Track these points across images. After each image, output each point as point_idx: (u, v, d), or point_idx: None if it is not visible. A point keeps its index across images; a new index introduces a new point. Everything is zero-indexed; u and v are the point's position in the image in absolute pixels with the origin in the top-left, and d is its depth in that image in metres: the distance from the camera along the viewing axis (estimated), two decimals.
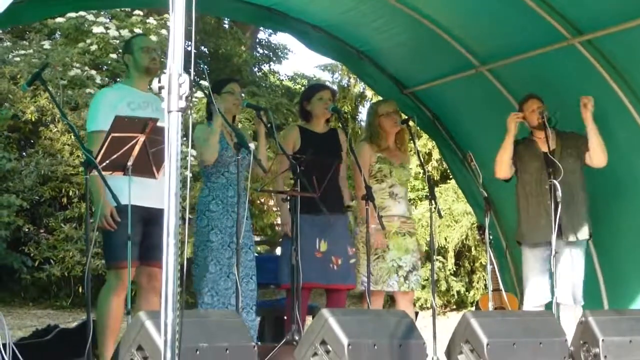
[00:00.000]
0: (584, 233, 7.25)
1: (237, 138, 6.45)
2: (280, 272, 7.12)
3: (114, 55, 15.38)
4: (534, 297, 7.22)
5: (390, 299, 8.41)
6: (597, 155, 7.24)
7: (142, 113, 6.02)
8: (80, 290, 14.04)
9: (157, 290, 6.17)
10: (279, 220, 9.77)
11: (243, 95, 7.40)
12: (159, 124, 5.49)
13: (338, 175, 7.31)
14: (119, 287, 6.09)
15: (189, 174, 3.25)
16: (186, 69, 3.24)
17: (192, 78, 3.27)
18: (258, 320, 6.96)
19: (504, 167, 7.36)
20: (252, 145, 6.43)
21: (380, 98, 9.24)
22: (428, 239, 7.49)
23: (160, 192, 6.11)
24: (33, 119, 14.21)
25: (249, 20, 10.65)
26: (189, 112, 3.32)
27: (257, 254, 7.53)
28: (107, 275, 6.32)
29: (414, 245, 7.47)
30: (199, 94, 12.29)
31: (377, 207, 7.12)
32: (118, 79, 15.16)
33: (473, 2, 7.61)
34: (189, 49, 3.31)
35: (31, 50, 14.72)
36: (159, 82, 3.24)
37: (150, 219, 6.05)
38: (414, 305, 8.58)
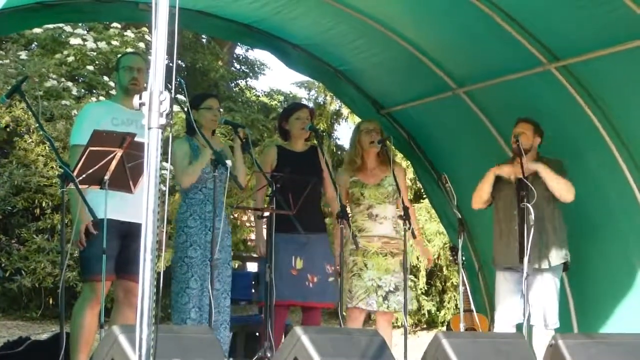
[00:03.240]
0: (553, 260, 7.28)
1: (215, 155, 6.47)
2: (257, 289, 7.14)
3: (90, 67, 15.35)
4: (505, 318, 7.26)
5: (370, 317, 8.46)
6: (560, 194, 7.30)
7: (125, 129, 6.02)
8: (50, 301, 13.98)
9: (133, 305, 6.17)
10: (252, 236, 9.79)
11: (221, 110, 7.39)
12: (136, 139, 5.51)
13: (318, 194, 7.33)
14: (93, 300, 6.09)
15: (166, 188, 3.26)
16: (166, 85, 3.27)
17: (172, 95, 3.30)
18: (230, 336, 6.95)
19: (481, 201, 7.44)
20: (228, 162, 6.44)
21: (357, 117, 9.30)
22: (401, 258, 7.47)
23: (138, 207, 6.13)
24: (8, 129, 14.15)
25: (228, 37, 10.68)
26: (168, 128, 3.34)
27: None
28: (82, 288, 6.33)
29: (396, 265, 7.45)
30: (175, 107, 12.30)
31: (357, 228, 7.16)
32: (95, 91, 15.15)
33: (451, 25, 7.66)
34: (169, 64, 3.33)
35: (7, 61, 14.68)
36: (140, 98, 3.27)
37: (127, 233, 6.07)
38: None
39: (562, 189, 7.26)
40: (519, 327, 7.20)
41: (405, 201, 7.19)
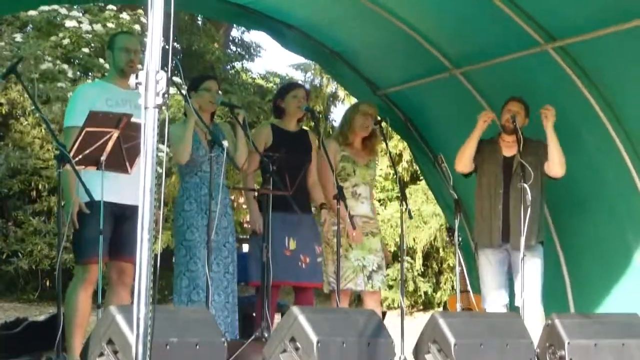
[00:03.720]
0: (537, 239, 7.31)
1: (211, 136, 6.46)
2: (249, 269, 7.14)
3: (86, 50, 15.32)
4: (495, 300, 7.30)
5: (358, 299, 8.47)
6: (554, 167, 7.30)
7: (120, 110, 5.98)
8: (47, 283, 14.01)
9: (128, 285, 6.20)
10: (248, 218, 9.77)
11: (219, 92, 7.38)
12: (133, 119, 5.50)
13: (308, 175, 7.33)
14: (86, 282, 6.08)
15: (163, 170, 3.27)
16: (162, 67, 3.27)
17: (168, 75, 3.30)
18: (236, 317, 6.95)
19: (464, 160, 7.43)
20: (225, 143, 6.43)
21: (353, 98, 9.28)
22: (397, 240, 7.50)
23: (132, 188, 6.08)
24: (3, 112, 14.14)
25: (224, 18, 10.67)
26: (164, 109, 3.34)
27: None
28: (75, 270, 6.29)
29: (377, 245, 7.49)
30: (172, 90, 12.27)
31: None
32: (90, 73, 15.13)
33: (448, 6, 7.64)
34: (165, 46, 3.33)
35: (2, 43, 14.65)
36: (136, 78, 3.26)
37: (120, 214, 6.06)
38: (382, 305, 8.60)
39: (561, 162, 7.26)
40: (513, 307, 7.23)
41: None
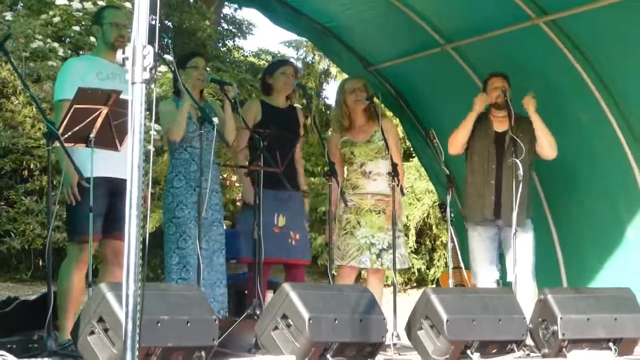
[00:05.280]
0: (528, 214, 7.31)
1: (201, 112, 6.44)
2: (238, 245, 7.12)
3: (77, 28, 15.22)
4: (487, 277, 7.30)
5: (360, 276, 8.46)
6: (545, 150, 7.32)
7: (111, 84, 5.96)
8: (40, 263, 13.96)
9: (122, 266, 6.12)
10: (240, 196, 9.76)
11: (208, 70, 7.34)
12: (122, 96, 5.46)
13: (294, 152, 7.31)
14: (80, 262, 6.03)
15: (151, 148, 3.26)
16: (150, 43, 3.24)
17: (156, 50, 3.27)
18: (224, 294, 6.93)
19: (458, 144, 7.41)
20: (215, 120, 6.40)
21: (345, 75, 9.25)
22: (404, 218, 7.47)
23: (125, 163, 6.06)
24: None
25: None
26: (153, 86, 3.32)
27: None
28: (69, 248, 6.24)
29: (389, 223, 7.36)
30: (163, 68, 12.23)
31: (351, 186, 7.16)
32: (81, 52, 15.04)
33: None
34: (153, 22, 3.30)
35: None
36: (123, 53, 3.24)
37: (115, 191, 5.98)
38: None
39: (551, 145, 7.26)
40: (506, 283, 7.23)
41: (395, 157, 7.14)
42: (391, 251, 7.28)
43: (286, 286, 5.32)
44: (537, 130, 7.22)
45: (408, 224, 16.36)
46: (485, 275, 7.29)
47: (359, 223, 7.30)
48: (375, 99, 7.39)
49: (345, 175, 7.53)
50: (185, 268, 6.72)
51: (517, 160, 6.94)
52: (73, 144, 5.57)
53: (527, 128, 7.25)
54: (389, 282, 13.05)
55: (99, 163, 5.71)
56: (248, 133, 6.87)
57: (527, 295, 6.86)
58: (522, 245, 7.13)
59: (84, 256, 5.98)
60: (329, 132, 7.77)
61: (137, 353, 3.15)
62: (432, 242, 17.15)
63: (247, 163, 7.06)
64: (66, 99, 5.86)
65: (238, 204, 15.33)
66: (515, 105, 7.20)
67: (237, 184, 15.69)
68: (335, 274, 7.23)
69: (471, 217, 7.43)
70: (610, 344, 5.99)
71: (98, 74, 6.19)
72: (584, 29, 7.32)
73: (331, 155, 7.16)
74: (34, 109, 13.85)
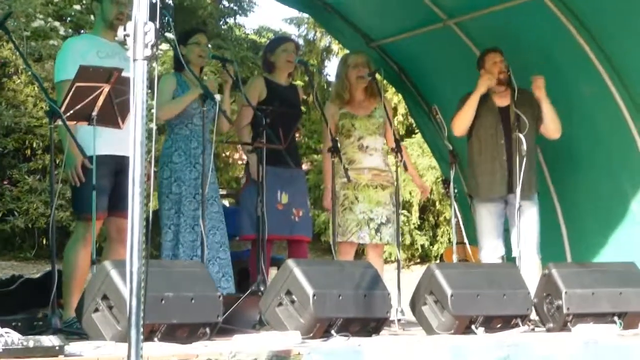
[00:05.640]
0: (535, 189, 7.30)
1: (203, 89, 6.41)
2: (241, 222, 7.12)
3: (77, 7, 15.22)
4: (493, 252, 7.30)
5: (363, 252, 8.45)
6: (551, 131, 7.36)
7: (111, 62, 5.94)
8: (44, 242, 13.99)
9: (125, 242, 6.08)
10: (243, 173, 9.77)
11: (209, 46, 7.32)
12: (124, 74, 5.44)
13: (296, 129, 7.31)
14: (87, 239, 6.01)
15: (154, 126, 3.26)
16: (152, 20, 3.23)
17: (157, 27, 3.25)
18: (219, 271, 6.91)
19: (464, 126, 7.39)
20: (217, 97, 6.38)
21: (347, 51, 9.21)
22: (391, 191, 7.45)
23: (128, 141, 6.02)
24: None
25: None
26: (155, 64, 3.31)
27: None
28: (75, 227, 6.23)
29: (387, 197, 7.40)
30: (164, 45, 12.21)
31: (348, 161, 7.13)
32: (83, 31, 15.02)
33: None
34: (154, 0, 3.29)
35: None
36: (124, 30, 3.22)
37: (120, 168, 5.96)
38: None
39: (557, 127, 7.27)
40: (510, 258, 7.24)
41: (395, 134, 7.14)
42: (390, 225, 7.31)
43: (290, 262, 5.32)
44: (545, 113, 7.22)
45: (411, 201, 16.38)
46: (492, 251, 7.28)
47: (356, 198, 7.30)
48: (377, 75, 7.38)
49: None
50: (177, 245, 6.71)
51: (522, 135, 6.93)
52: (75, 122, 5.56)
53: (528, 101, 7.24)
54: (393, 259, 13.10)
55: (102, 141, 5.71)
56: (251, 110, 6.85)
57: (531, 270, 6.86)
58: (527, 220, 7.13)
59: (89, 234, 5.97)
60: (326, 103, 7.71)
61: (141, 330, 3.16)
62: (436, 219, 17.18)
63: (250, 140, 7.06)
64: (68, 79, 5.83)
65: (242, 181, 15.36)
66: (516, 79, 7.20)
67: (239, 162, 15.71)
68: (335, 249, 7.24)
69: (482, 194, 7.39)
70: (615, 318, 5.99)
71: (98, 53, 6.16)
72: (586, 2, 7.29)
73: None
74: (35, 88, 13.86)
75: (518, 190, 6.93)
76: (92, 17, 14.49)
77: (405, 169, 7.21)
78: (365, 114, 7.44)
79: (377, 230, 7.30)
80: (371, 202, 7.31)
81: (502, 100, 7.33)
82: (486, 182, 7.35)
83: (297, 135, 7.39)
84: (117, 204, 6.02)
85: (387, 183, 7.44)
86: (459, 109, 7.37)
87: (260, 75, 7.65)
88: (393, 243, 7.38)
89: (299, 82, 8.11)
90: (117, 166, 5.98)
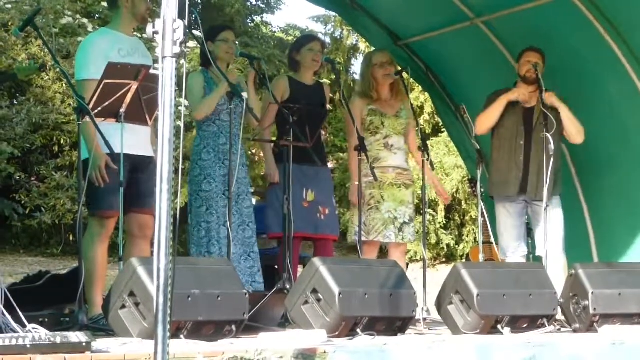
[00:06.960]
0: (555, 189, 7.25)
1: (231, 87, 6.42)
2: (268, 221, 7.13)
3: (105, 4, 15.24)
4: (512, 251, 7.27)
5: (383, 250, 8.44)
6: (573, 136, 7.33)
7: (131, 59, 5.89)
8: (70, 238, 14.07)
9: (149, 238, 6.11)
10: None
11: (237, 44, 7.32)
12: (152, 71, 5.46)
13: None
14: (102, 235, 5.99)
15: (181, 123, 3.27)
16: (180, 17, 3.24)
17: (186, 24, 3.26)
18: (252, 267, 6.92)
19: (488, 127, 7.37)
20: (244, 94, 6.40)
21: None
22: (419, 192, 7.46)
23: (147, 140, 6.01)
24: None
25: None
26: (183, 61, 3.32)
27: None
28: (89, 223, 6.14)
29: (409, 197, 7.41)
30: (191, 44, 12.24)
31: (372, 159, 7.12)
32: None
33: None
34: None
35: None
36: (154, 27, 3.23)
37: (135, 167, 5.97)
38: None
39: (579, 132, 7.24)
40: (536, 258, 7.21)
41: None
42: (412, 224, 7.30)
43: (316, 261, 5.32)
44: (565, 120, 7.18)
45: (437, 199, 16.34)
46: (514, 251, 7.26)
47: (382, 197, 7.30)
48: (404, 74, 7.37)
49: None
50: (211, 242, 6.73)
51: (549, 135, 6.91)
52: (103, 119, 5.57)
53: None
54: (418, 258, 13.08)
55: (117, 141, 5.65)
56: (276, 109, 6.86)
57: (557, 270, 6.83)
58: (553, 220, 7.10)
59: (105, 231, 5.96)
60: (352, 97, 7.67)
61: (168, 327, 3.17)
62: (462, 218, 17.15)
63: (273, 139, 7.07)
64: (90, 79, 5.81)
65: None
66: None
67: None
68: (355, 247, 7.23)
69: (498, 194, 7.38)
70: None
71: (120, 51, 6.03)
72: (615, 0, 7.25)
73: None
74: (64, 84, 13.93)
75: (545, 189, 6.90)
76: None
77: (432, 167, 7.20)
78: (392, 113, 7.44)
79: (400, 230, 7.31)
80: (395, 200, 7.32)
81: (529, 100, 7.29)
82: (500, 181, 7.33)
83: (323, 133, 7.36)
84: (135, 201, 6.01)
85: (409, 182, 7.47)
86: (485, 107, 7.35)
87: (285, 75, 7.66)
88: (414, 242, 7.36)
89: (325, 80, 8.08)
90: (132, 164, 5.96)
